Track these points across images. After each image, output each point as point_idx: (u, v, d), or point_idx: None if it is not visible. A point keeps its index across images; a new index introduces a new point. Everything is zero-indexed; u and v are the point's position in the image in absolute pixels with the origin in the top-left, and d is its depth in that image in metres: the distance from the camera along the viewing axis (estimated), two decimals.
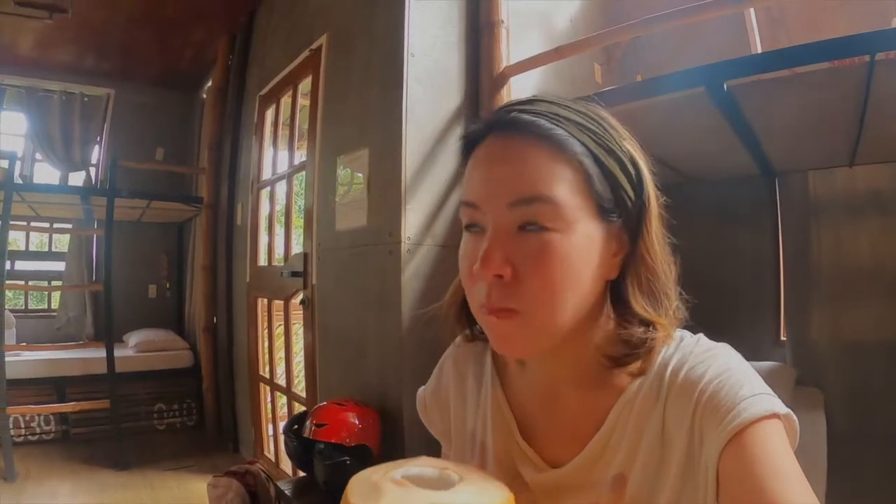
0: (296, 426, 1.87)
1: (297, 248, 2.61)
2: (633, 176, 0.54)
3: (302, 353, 2.44)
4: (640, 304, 0.54)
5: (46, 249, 4.54)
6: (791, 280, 2.42)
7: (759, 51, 1.90)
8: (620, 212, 0.54)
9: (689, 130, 1.85)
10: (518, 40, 2.08)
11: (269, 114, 2.99)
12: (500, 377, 0.68)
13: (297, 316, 2.50)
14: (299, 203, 2.91)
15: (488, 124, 0.55)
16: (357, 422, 1.74)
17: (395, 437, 1.76)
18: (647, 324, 0.54)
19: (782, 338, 2.40)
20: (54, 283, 4.38)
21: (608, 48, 2.54)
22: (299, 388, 2.59)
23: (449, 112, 1.92)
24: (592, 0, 2.59)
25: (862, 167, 2.20)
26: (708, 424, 0.50)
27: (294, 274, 2.35)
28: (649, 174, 0.56)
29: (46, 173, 4.35)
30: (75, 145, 4.27)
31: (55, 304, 4.36)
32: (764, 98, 1.45)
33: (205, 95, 4.40)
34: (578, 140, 0.51)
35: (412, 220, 1.79)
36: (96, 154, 4.45)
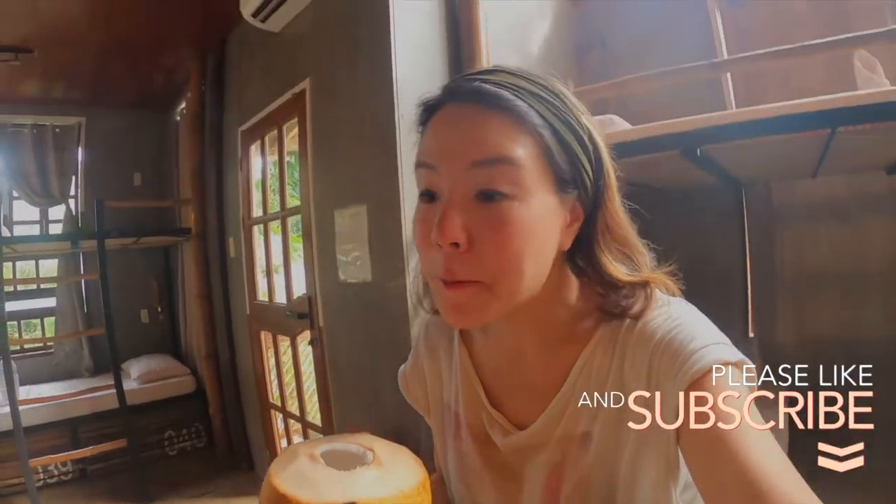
0: None
1: (298, 288, 2.63)
2: (591, 150, 0.55)
3: (314, 385, 2.50)
4: (619, 271, 0.57)
5: (34, 287, 4.48)
6: (757, 282, 2.63)
7: (734, 107, 2.02)
8: (577, 184, 0.55)
9: (660, 171, 1.99)
10: None
11: (254, 149, 2.98)
12: (468, 347, 0.70)
13: (307, 348, 2.54)
14: (296, 247, 2.90)
15: (449, 92, 0.55)
16: None
17: None
18: (635, 284, 0.57)
19: (751, 335, 2.63)
20: (47, 319, 4.37)
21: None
22: (315, 418, 2.62)
23: None
24: (562, 24, 2.65)
25: (821, 178, 2.38)
26: (663, 378, 0.52)
27: (300, 316, 2.41)
28: (606, 148, 0.58)
29: (26, 209, 4.29)
30: (52, 178, 4.20)
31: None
32: (736, 153, 1.59)
33: (178, 117, 4.34)
34: (538, 112, 0.52)
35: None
36: (73, 185, 4.38)
